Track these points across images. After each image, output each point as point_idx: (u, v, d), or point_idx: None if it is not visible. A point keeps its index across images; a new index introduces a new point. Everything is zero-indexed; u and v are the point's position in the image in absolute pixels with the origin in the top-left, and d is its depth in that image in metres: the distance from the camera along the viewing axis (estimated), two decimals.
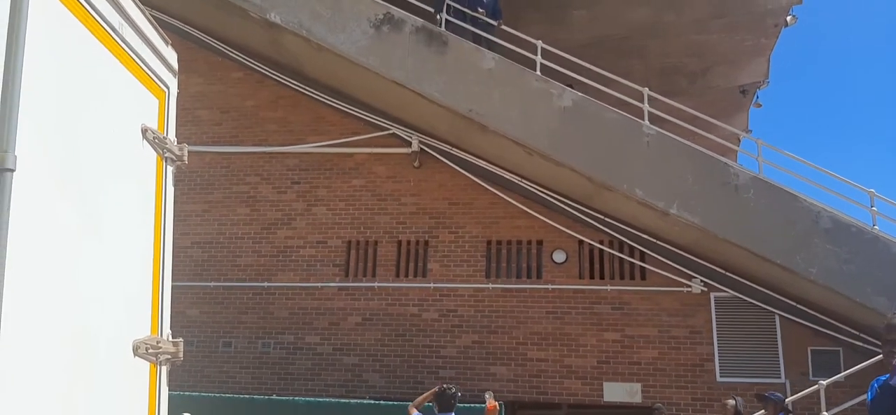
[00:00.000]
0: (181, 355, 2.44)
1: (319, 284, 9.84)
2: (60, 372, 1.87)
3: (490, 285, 9.52)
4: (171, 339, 2.43)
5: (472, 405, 7.99)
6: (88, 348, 2.00)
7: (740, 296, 9.06)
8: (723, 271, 9.06)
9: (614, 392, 9.03)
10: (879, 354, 6.22)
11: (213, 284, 9.98)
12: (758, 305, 9.01)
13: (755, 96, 13.69)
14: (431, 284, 9.62)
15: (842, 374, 8.17)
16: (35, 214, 1.81)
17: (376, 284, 9.73)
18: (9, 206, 1.68)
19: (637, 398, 8.97)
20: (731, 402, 7.22)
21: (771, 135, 33.11)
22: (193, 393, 8.19)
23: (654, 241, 9.21)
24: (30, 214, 1.78)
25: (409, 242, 9.88)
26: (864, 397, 8.01)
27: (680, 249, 9.11)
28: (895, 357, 2.81)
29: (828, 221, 8.21)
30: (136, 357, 2.23)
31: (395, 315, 9.59)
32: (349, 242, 9.98)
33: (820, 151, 33.82)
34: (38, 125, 1.86)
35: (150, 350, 2.29)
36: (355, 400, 8.69)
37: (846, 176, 9.45)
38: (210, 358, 9.69)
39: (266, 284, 9.94)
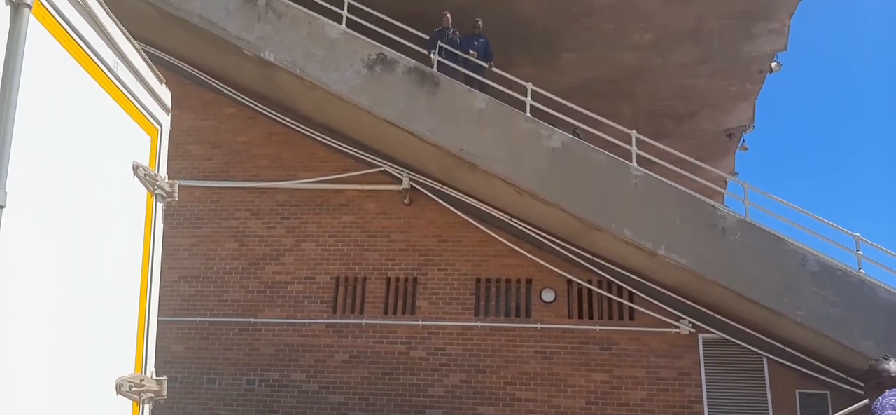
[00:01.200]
0: (165, 393, 2.42)
1: (307, 321, 9.76)
2: (43, 410, 1.85)
3: (479, 324, 9.48)
4: (155, 377, 2.41)
5: None
6: (71, 385, 1.98)
7: (728, 338, 9.07)
8: (711, 313, 9.08)
9: None
10: (865, 398, 6.23)
11: (199, 319, 9.88)
12: (746, 347, 9.03)
13: (741, 140, 13.92)
14: (420, 322, 9.57)
15: None
16: (24, 250, 1.81)
17: (364, 322, 9.67)
18: None
19: None
20: None
21: (757, 178, 33.52)
22: None
23: (643, 281, 9.24)
24: (19, 249, 1.78)
25: (397, 279, 9.85)
26: None
27: (668, 290, 9.14)
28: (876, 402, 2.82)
29: (814, 264, 8.29)
30: (119, 395, 2.21)
31: (383, 353, 9.51)
32: (338, 278, 9.94)
33: (805, 194, 34.24)
34: (30, 162, 1.88)
35: (134, 388, 2.27)
36: None
37: (832, 220, 9.57)
38: (194, 394, 9.54)
39: (252, 319, 9.85)
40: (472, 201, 9.69)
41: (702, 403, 8.93)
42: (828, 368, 8.70)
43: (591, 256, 9.34)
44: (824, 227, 8.97)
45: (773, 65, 11.72)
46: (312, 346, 9.65)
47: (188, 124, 10.45)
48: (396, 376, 9.39)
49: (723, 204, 10.32)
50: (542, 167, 8.72)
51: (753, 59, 11.56)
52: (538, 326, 9.40)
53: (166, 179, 2.63)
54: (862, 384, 7.84)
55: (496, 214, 9.59)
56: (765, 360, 8.99)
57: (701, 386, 8.99)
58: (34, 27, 1.91)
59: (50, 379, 1.88)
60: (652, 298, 9.26)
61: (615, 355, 9.22)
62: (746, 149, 14.17)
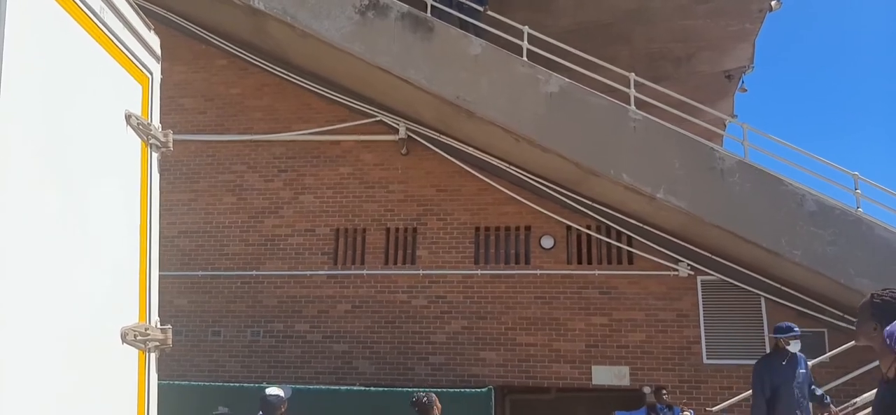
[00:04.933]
0: (170, 342, 2.43)
1: (308, 273, 9.81)
2: (48, 359, 1.85)
3: (479, 271, 9.55)
4: (159, 326, 2.41)
5: (463, 390, 8.05)
6: (76, 335, 1.98)
7: (726, 279, 9.15)
8: (709, 255, 9.14)
9: (602, 375, 9.11)
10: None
11: (200, 273, 9.93)
12: (744, 288, 9.11)
13: (740, 81, 13.76)
14: (420, 271, 9.63)
15: (827, 354, 8.31)
16: (19, 203, 1.78)
17: (365, 272, 9.72)
18: None
19: (625, 381, 9.06)
20: None
21: (756, 119, 33.40)
22: (183, 382, 8.17)
23: (642, 225, 9.27)
24: (13, 202, 1.76)
25: (397, 230, 9.87)
26: (848, 376, 8.15)
27: (667, 234, 9.17)
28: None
29: (812, 203, 8.30)
30: (125, 344, 2.21)
31: (385, 302, 9.60)
32: (337, 229, 9.96)
33: (805, 134, 34.18)
34: (20, 112, 1.83)
35: (139, 337, 2.27)
36: (345, 387, 8.70)
37: (831, 159, 9.54)
38: (199, 347, 9.66)
39: (254, 272, 9.90)
40: (469, 150, 9.64)
41: (700, 343, 9.07)
42: (825, 306, 8.80)
43: (589, 202, 9.34)
44: (823, 166, 8.97)
45: (773, 3, 11.48)
46: (315, 297, 9.73)
47: (179, 78, 10.31)
48: (399, 325, 9.50)
49: (722, 146, 10.27)
50: (539, 113, 8.64)
51: None
52: (538, 272, 9.46)
53: (159, 129, 2.58)
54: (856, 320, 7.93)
55: (494, 162, 9.55)
56: (762, 300, 9.09)
57: (699, 327, 9.12)
58: None
59: (54, 330, 1.88)
60: (651, 241, 9.30)
61: (614, 298, 9.31)
62: (746, 90, 14.01)
